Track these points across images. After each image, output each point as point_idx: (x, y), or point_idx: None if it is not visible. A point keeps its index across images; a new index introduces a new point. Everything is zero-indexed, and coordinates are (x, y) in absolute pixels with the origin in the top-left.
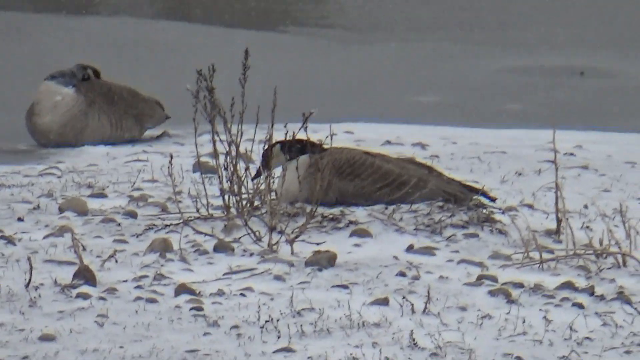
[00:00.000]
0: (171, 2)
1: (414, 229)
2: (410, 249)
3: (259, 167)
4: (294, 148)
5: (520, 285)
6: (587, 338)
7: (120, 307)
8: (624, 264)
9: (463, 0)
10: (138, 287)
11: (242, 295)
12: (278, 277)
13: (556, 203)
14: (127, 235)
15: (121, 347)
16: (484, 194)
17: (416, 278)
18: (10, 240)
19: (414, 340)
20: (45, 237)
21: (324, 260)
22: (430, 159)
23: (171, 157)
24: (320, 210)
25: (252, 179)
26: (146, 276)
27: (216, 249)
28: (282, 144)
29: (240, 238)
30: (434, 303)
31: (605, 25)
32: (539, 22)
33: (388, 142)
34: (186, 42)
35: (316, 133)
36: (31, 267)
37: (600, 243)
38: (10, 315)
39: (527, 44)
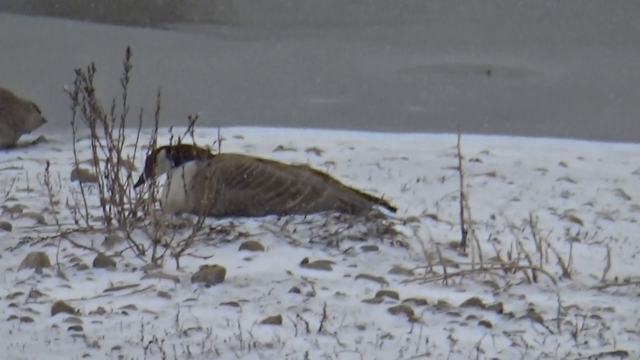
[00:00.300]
0: None
1: (309, 242)
2: (304, 263)
3: (142, 175)
4: (180, 154)
5: (423, 302)
6: (495, 359)
7: None
8: (535, 279)
9: None
10: (12, 305)
11: (124, 313)
12: (163, 294)
13: (461, 213)
14: (1, 249)
15: None
16: (384, 203)
17: (311, 295)
18: None
19: None
20: None
21: (211, 276)
22: (325, 165)
23: (48, 164)
24: (208, 221)
25: (134, 187)
26: (21, 293)
27: (96, 263)
28: (167, 149)
29: (122, 252)
30: (330, 322)
31: (512, 22)
32: (442, 19)
33: (280, 148)
34: (64, 40)
35: (203, 138)
36: None
37: (509, 257)
38: None
39: (430, 42)
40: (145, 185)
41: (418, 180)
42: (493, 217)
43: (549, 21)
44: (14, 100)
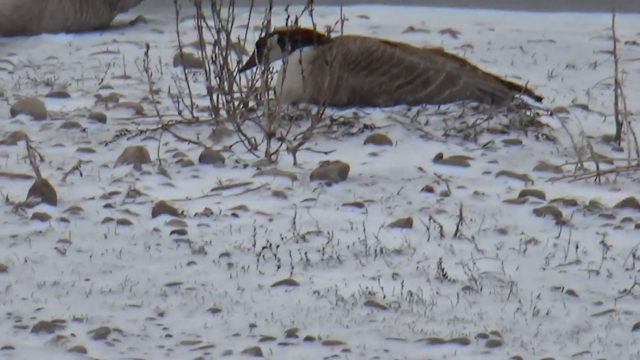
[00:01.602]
0: None
1: (443, 135)
2: (438, 159)
3: (251, 57)
4: (296, 38)
5: (572, 203)
6: None
7: (86, 230)
8: None
9: None
10: (107, 206)
11: (235, 215)
12: (278, 194)
13: (615, 103)
14: (94, 143)
15: (87, 279)
16: (528, 92)
17: (446, 194)
18: None
19: (443, 270)
20: None
21: (333, 173)
22: (462, 49)
23: (147, 47)
24: (329, 112)
25: (240, 71)
26: (117, 193)
27: (203, 159)
28: (281, 34)
29: (231, 146)
30: (467, 225)
31: None
32: None
33: (411, 29)
34: None
35: (324, 18)
36: None
37: None
38: None
39: None
40: (255, 70)
41: (567, 66)
42: None
43: None
44: None
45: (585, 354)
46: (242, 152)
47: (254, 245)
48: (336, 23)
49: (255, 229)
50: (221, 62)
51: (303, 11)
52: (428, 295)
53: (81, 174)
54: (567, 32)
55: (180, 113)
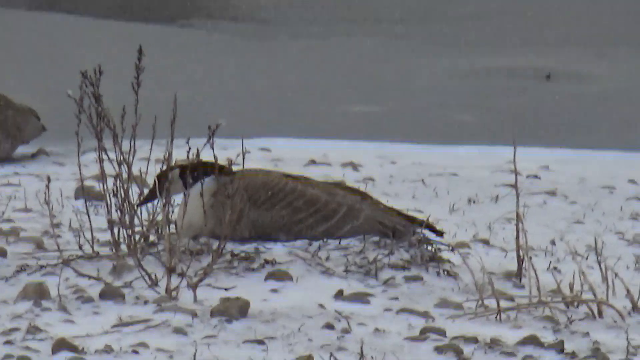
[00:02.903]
0: None
1: (344, 271)
2: (339, 295)
3: (151, 190)
4: (198, 171)
5: (473, 340)
6: None
7: None
8: (600, 314)
9: None
10: (8, 342)
11: (135, 352)
12: (178, 330)
13: (517, 238)
14: None
15: None
16: (429, 226)
17: (347, 331)
18: None
19: None
20: None
21: (234, 310)
22: (363, 182)
23: (48, 180)
24: (230, 247)
25: (141, 204)
26: (17, 329)
27: (103, 295)
28: (182, 168)
29: (132, 282)
30: None
31: (572, 21)
32: (496, 17)
33: (313, 162)
34: (68, 37)
35: (225, 151)
36: None
37: (571, 289)
38: None
39: (482, 42)
40: (156, 203)
41: (469, 200)
42: (553, 243)
43: (615, 20)
44: (9, 106)
45: None
46: (143, 288)
47: None
48: (238, 156)
49: None
50: (122, 195)
51: (205, 144)
52: None
53: None
54: (469, 165)
55: (81, 247)
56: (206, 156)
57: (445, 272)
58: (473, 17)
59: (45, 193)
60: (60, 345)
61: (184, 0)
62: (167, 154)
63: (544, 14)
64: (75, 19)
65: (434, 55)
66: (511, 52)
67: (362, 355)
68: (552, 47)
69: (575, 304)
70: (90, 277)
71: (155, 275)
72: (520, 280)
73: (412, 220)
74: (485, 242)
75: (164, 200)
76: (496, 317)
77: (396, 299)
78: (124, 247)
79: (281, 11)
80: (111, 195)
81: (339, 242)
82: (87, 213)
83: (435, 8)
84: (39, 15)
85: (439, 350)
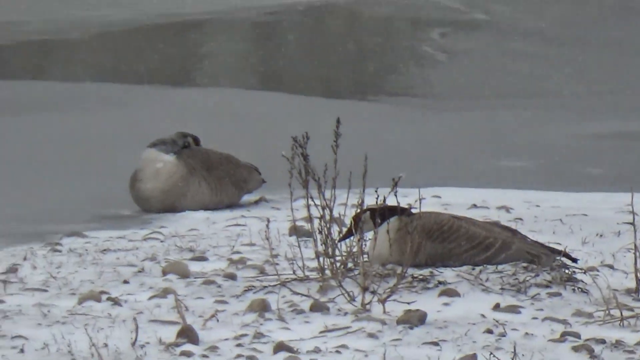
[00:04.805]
0: (266, 74)
1: (500, 289)
2: (496, 307)
3: (348, 229)
4: (385, 213)
5: (602, 341)
6: None
7: None
8: None
9: (541, 70)
10: (238, 345)
11: (338, 352)
12: (371, 335)
13: (635, 263)
14: (227, 296)
15: None
16: (566, 255)
17: (503, 335)
18: (116, 302)
19: None
20: (150, 298)
21: (414, 319)
22: (514, 222)
23: (268, 221)
24: (411, 271)
25: (340, 240)
26: (246, 335)
27: (312, 308)
28: (372, 211)
29: (334, 298)
30: (520, 359)
31: None
32: (630, 86)
33: (474, 206)
34: (281, 112)
35: (405, 197)
36: (137, 327)
37: None
38: None
39: (601, 111)
40: (351, 238)
41: (597, 235)
42: None
43: None
44: (237, 164)
45: None
46: (343, 303)
47: None
48: (415, 201)
49: None
50: (326, 232)
51: (389, 192)
52: None
53: (217, 320)
54: (596, 207)
55: (294, 272)
56: (391, 202)
57: (579, 290)
58: (593, 94)
59: (265, 231)
60: (280, 347)
61: (373, 81)
62: (360, 200)
63: None
64: (286, 97)
65: (564, 122)
66: (622, 118)
67: (515, 353)
68: None
69: None
70: (302, 294)
71: (353, 293)
72: (638, 295)
73: (552, 250)
74: (610, 267)
75: (358, 236)
76: (619, 324)
77: (541, 310)
78: (327, 272)
79: (449, 89)
80: (317, 232)
81: (496, 267)
82: (299, 246)
83: (562, 85)
84: (262, 94)
85: (575, 349)
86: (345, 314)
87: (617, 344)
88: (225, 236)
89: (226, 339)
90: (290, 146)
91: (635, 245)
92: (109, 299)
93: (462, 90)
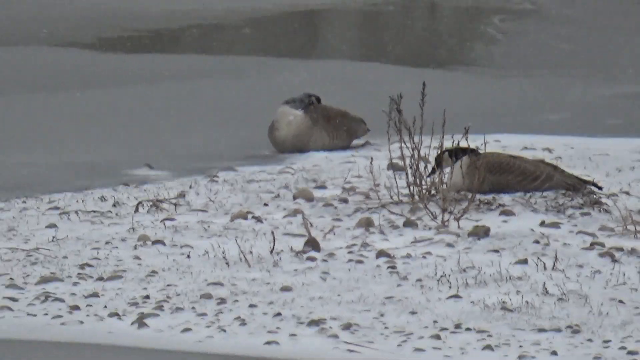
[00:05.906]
0: (370, 49)
1: (545, 210)
2: (542, 224)
3: (433, 167)
4: (459, 153)
5: (621, 249)
6: None
7: (338, 266)
8: None
9: (577, 48)
10: (350, 252)
11: (424, 257)
12: (449, 245)
13: None
14: (342, 215)
15: (339, 294)
16: (594, 184)
17: (547, 245)
18: (259, 220)
19: (546, 289)
20: (284, 217)
21: (481, 232)
22: (555, 159)
23: (372, 159)
24: (478, 196)
25: (427, 176)
26: (355, 245)
27: (405, 224)
28: (450, 151)
29: (421, 217)
30: (559, 262)
31: None
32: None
33: (525, 148)
34: (382, 78)
35: (474, 142)
36: (274, 238)
37: None
38: (260, 273)
39: (621, 77)
40: (435, 174)
41: (616, 169)
42: None
43: None
44: (349, 117)
45: (629, 338)
46: (428, 220)
47: (435, 274)
48: (481, 144)
49: (436, 265)
50: (415, 167)
51: (461, 137)
52: (537, 303)
53: (334, 234)
54: (616, 149)
55: (391, 197)
56: (463, 144)
57: (604, 210)
58: (615, 65)
59: (370, 166)
60: (381, 254)
61: (450, 55)
62: (440, 143)
63: None
64: (390, 67)
65: (596, 85)
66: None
67: (556, 258)
68: None
69: None
70: (397, 214)
71: (435, 213)
72: None
73: (584, 181)
74: (627, 193)
75: (439, 171)
76: (634, 236)
77: (575, 225)
78: (416, 197)
79: (509, 60)
80: (408, 167)
81: (542, 194)
82: (395, 178)
83: (599, 53)
84: (366, 64)
85: (601, 255)
86: (430, 228)
87: (632, 251)
88: (340, 170)
89: (340, 247)
90: (389, 104)
91: None
92: (253, 217)
93: (517, 63)
